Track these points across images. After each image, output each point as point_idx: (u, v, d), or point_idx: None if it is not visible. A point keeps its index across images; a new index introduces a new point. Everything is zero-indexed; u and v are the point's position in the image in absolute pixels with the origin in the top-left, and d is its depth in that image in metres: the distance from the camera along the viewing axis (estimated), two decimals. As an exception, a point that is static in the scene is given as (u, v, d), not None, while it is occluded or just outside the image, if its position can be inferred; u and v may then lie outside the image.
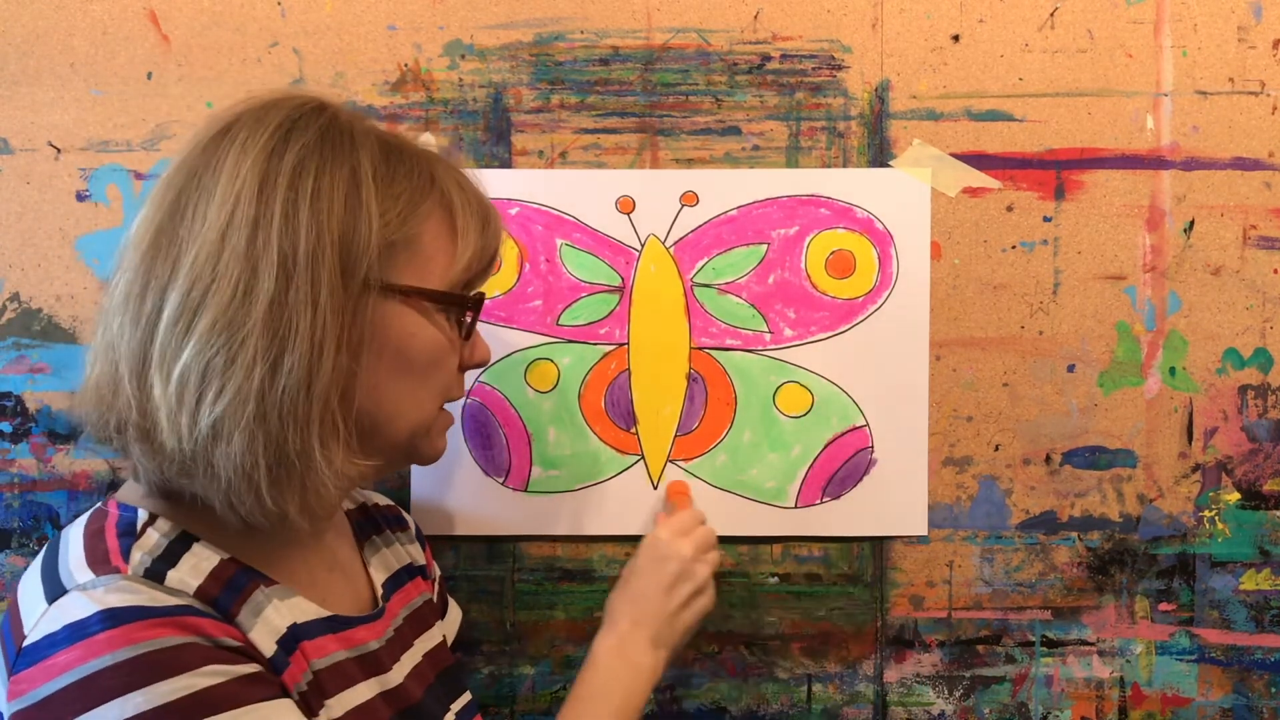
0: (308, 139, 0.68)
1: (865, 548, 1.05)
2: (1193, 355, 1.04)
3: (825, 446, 1.04)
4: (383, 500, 0.96)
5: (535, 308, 1.04)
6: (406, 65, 1.03)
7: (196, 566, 0.67)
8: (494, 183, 1.02)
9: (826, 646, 1.06)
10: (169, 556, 0.67)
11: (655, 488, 1.04)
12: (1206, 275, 1.03)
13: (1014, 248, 1.03)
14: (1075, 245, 1.03)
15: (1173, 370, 1.04)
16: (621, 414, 1.04)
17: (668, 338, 1.04)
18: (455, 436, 1.04)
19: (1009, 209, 1.03)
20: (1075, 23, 1.02)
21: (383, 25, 1.03)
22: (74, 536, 0.68)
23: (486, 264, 0.78)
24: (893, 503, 1.04)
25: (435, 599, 0.94)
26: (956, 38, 1.02)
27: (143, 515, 0.69)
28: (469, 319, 0.77)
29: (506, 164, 1.03)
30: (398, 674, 0.79)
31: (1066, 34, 1.02)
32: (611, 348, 1.04)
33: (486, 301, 0.79)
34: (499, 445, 1.04)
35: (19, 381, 1.03)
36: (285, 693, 0.67)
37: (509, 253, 1.03)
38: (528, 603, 1.05)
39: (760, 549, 1.05)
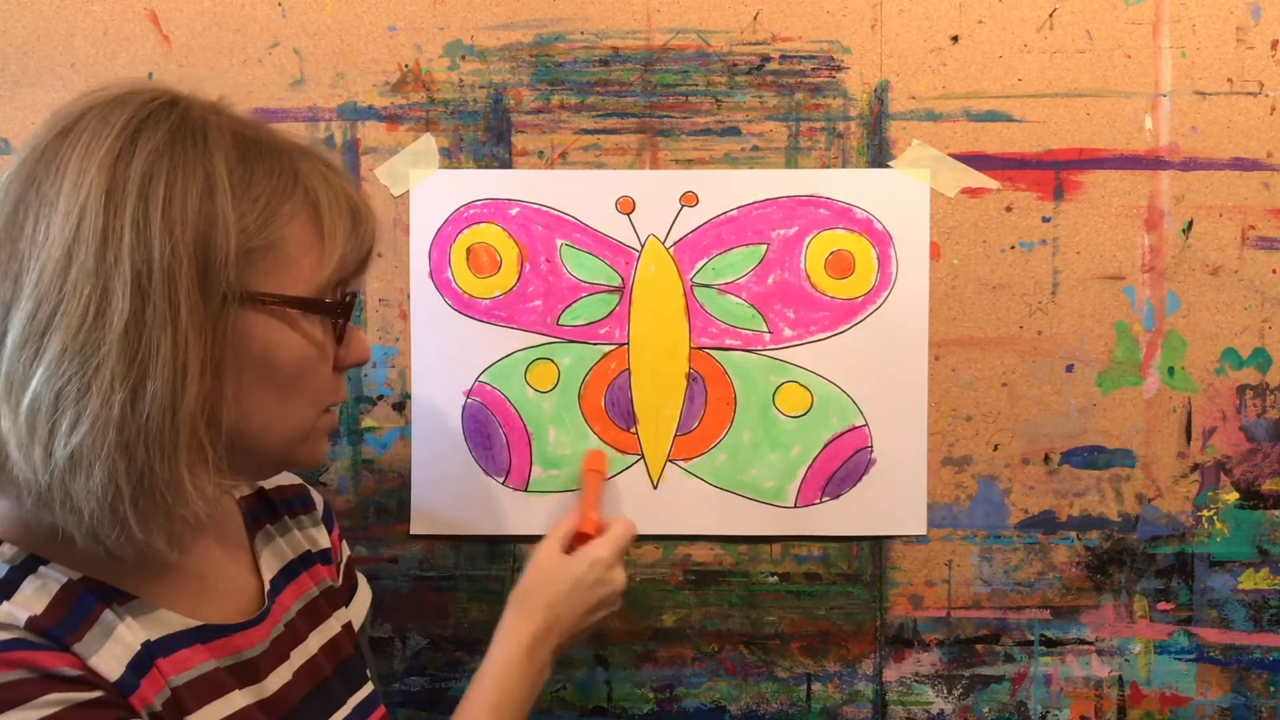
0: (156, 141, 0.63)
1: (864, 547, 1.05)
2: (1191, 355, 1.04)
3: (825, 446, 1.04)
4: (286, 480, 0.89)
5: (535, 308, 1.04)
6: (407, 66, 1.03)
7: (41, 589, 0.64)
8: (494, 183, 1.03)
9: (826, 646, 1.06)
10: (7, 586, 0.64)
11: (655, 488, 1.04)
12: (1205, 275, 1.04)
13: (1013, 248, 1.04)
14: (1074, 245, 1.03)
15: (1171, 370, 1.04)
16: (621, 414, 1.04)
17: (667, 338, 1.04)
18: (455, 436, 1.04)
19: (1008, 209, 1.03)
20: (1074, 23, 1.02)
21: (383, 26, 1.03)
22: None
23: (358, 264, 0.73)
24: (892, 502, 1.04)
25: (341, 583, 0.89)
26: (955, 38, 1.03)
27: None
28: (340, 323, 0.71)
29: (506, 164, 1.03)
30: (277, 680, 0.75)
31: (1065, 35, 1.02)
32: (611, 348, 1.04)
33: (360, 298, 0.73)
34: (499, 445, 1.04)
35: (20, 381, 1.03)
36: (134, 714, 0.64)
37: (509, 253, 1.03)
38: (528, 602, 1.05)
39: (760, 548, 1.06)
